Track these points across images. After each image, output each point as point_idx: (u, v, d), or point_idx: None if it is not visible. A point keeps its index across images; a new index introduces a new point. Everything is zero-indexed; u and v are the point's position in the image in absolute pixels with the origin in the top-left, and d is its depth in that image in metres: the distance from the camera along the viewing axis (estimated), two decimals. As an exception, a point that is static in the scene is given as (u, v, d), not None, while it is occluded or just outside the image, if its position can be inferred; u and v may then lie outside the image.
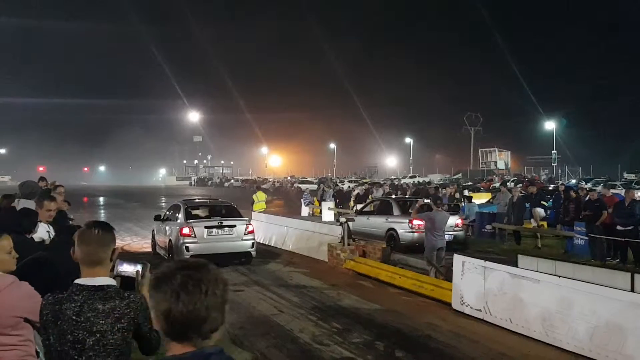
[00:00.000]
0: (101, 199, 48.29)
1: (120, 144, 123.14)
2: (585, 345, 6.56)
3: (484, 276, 8.36)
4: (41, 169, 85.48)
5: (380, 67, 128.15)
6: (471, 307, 8.49)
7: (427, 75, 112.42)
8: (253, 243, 13.15)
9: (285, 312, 8.71)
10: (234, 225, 12.99)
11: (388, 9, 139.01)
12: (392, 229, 14.68)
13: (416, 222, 13.29)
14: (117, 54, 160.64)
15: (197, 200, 17.88)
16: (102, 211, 34.03)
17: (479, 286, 8.40)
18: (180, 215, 13.33)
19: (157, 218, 14.56)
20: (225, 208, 14.51)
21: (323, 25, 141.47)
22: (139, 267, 2.87)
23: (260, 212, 19.78)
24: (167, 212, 14.67)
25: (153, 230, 15.21)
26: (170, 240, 12.97)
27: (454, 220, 14.42)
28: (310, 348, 7.01)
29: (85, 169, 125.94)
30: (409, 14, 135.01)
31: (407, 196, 22.94)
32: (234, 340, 7.22)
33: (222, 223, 12.97)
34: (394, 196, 21.60)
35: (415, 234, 13.71)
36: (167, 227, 13.51)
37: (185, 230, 12.46)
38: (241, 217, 13.78)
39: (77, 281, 2.57)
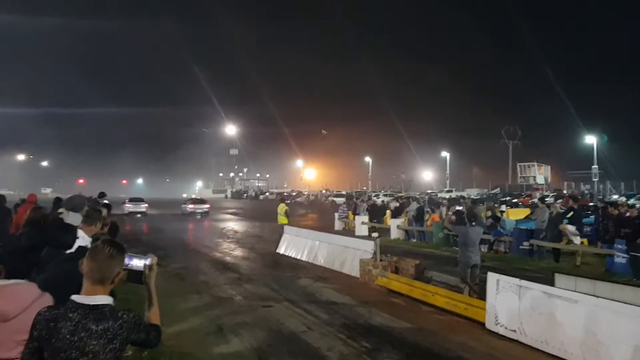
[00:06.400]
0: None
1: (158, 157, 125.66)
2: (626, 370, 6.25)
3: (519, 295, 8.10)
4: (81, 181, 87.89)
5: (419, 81, 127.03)
6: (505, 328, 8.22)
7: (466, 89, 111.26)
8: (208, 211, 40.91)
9: (314, 330, 8.58)
10: (205, 203, 41.85)
11: (429, 23, 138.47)
12: None
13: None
14: (158, 68, 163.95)
15: (192, 197, 52.68)
16: (142, 223, 34.64)
17: (514, 305, 8.13)
18: (186, 202, 43.97)
19: (183, 203, 44.76)
20: (202, 200, 44.11)
21: (363, 40, 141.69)
22: (147, 261, 2.98)
23: (288, 225, 19.68)
24: (184, 202, 44.30)
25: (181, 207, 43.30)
26: (182, 207, 42.83)
27: None
28: (338, 367, 6.86)
29: (124, 181, 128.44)
30: (450, 29, 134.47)
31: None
32: (261, 357, 7.15)
33: (198, 202, 42.48)
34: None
35: None
36: (182, 205, 43.71)
37: (187, 204, 42.24)
38: (207, 203, 41.89)
39: (74, 297, 2.60)
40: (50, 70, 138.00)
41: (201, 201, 42.05)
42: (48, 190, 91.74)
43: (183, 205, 42.57)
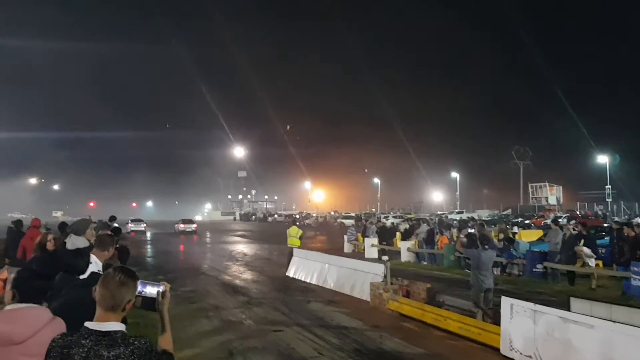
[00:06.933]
0: (148, 233, 49.35)
1: (168, 179, 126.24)
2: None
3: (534, 320, 7.92)
4: (91, 204, 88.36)
5: (427, 101, 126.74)
6: (520, 353, 8.04)
7: (475, 109, 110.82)
8: (196, 230, 49.13)
9: (325, 355, 8.43)
10: (194, 223, 51.20)
11: (434, 42, 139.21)
12: None
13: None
14: (168, 90, 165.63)
15: (183, 219, 53.38)
16: (148, 245, 34.58)
17: (528, 330, 7.95)
18: (178, 222, 51.72)
19: (176, 223, 51.94)
20: (191, 221, 52.94)
21: (368, 58, 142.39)
22: (160, 288, 2.98)
23: (298, 247, 19.16)
24: (176, 222, 52.44)
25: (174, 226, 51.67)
26: (174, 226, 51.64)
27: None
28: (349, 394, 6.70)
29: (134, 204, 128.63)
30: (455, 47, 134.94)
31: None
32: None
33: (187, 222, 51.00)
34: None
35: None
36: (175, 224, 51.85)
37: (179, 224, 50.75)
38: (195, 223, 51.67)
39: (87, 324, 2.62)
40: (62, 94, 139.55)
41: (190, 221, 52.59)
42: (59, 214, 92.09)
43: (176, 225, 51.58)
